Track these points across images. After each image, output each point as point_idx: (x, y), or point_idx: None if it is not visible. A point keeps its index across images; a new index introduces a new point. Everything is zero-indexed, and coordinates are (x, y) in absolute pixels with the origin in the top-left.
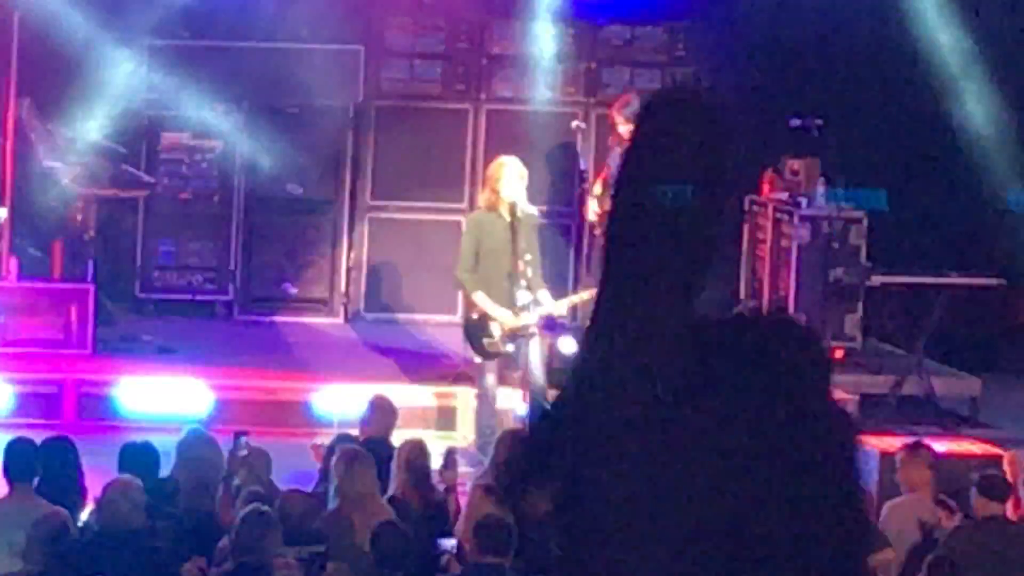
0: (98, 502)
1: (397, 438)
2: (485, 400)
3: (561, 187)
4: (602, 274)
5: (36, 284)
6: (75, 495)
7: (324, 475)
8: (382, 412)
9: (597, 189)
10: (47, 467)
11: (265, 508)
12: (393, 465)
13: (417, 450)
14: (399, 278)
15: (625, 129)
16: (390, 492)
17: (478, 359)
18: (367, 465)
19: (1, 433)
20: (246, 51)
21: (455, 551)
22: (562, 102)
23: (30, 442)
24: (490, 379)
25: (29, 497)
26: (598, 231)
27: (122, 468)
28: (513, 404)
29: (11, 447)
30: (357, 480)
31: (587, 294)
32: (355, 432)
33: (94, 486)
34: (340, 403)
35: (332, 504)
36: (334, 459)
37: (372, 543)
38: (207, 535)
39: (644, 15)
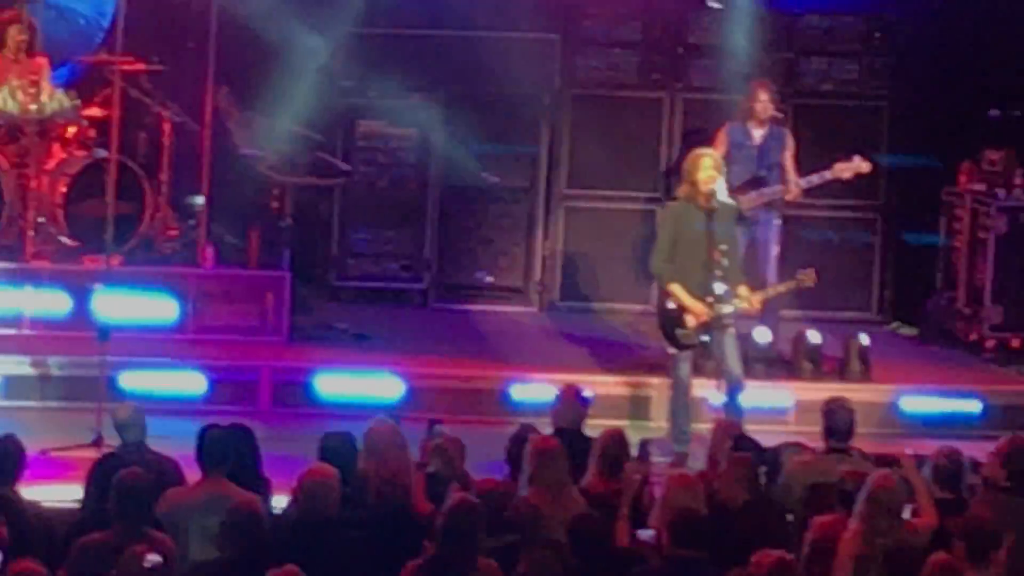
0: (296, 491)
1: (591, 428)
2: (679, 390)
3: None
4: None
5: (233, 271)
6: (258, 483)
7: (514, 464)
8: (573, 402)
9: None
10: (234, 455)
11: (474, 499)
12: (591, 455)
13: (616, 440)
14: (593, 267)
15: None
16: (583, 482)
17: (672, 349)
18: (560, 455)
19: (196, 420)
20: (443, 40)
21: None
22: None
23: (222, 429)
24: (684, 369)
25: (222, 484)
26: None
27: (322, 457)
28: (707, 395)
29: (203, 435)
30: (550, 470)
31: (783, 287)
32: (547, 422)
33: (288, 474)
34: (534, 392)
35: (523, 493)
36: (527, 449)
37: (569, 534)
38: (400, 525)
39: (842, 4)
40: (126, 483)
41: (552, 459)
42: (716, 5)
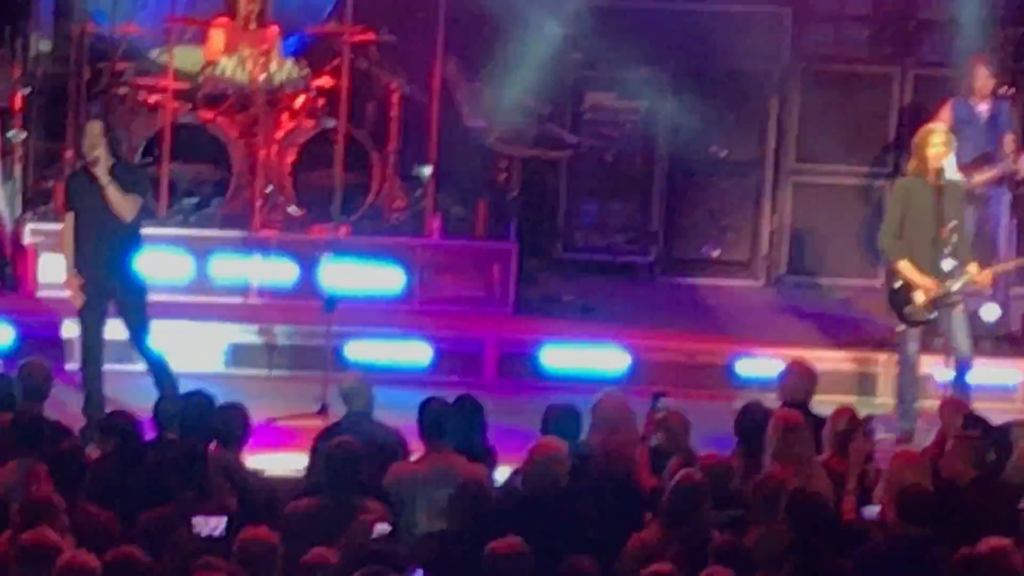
0: (527, 464)
1: (816, 404)
2: (907, 367)
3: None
4: None
5: (459, 242)
6: (483, 455)
7: (745, 439)
8: (800, 377)
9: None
10: (458, 427)
11: (698, 476)
12: (824, 431)
13: (848, 418)
14: (821, 242)
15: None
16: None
17: (900, 326)
18: (805, 430)
19: (420, 391)
20: (673, 12)
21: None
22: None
23: (444, 401)
24: (912, 346)
25: (448, 456)
26: None
27: (545, 429)
28: (935, 372)
29: (425, 407)
30: (795, 445)
31: (1013, 264)
32: (773, 397)
33: (511, 446)
34: (760, 367)
35: (768, 468)
36: (771, 424)
37: (787, 509)
38: (625, 499)
39: None
40: (338, 452)
41: (798, 434)
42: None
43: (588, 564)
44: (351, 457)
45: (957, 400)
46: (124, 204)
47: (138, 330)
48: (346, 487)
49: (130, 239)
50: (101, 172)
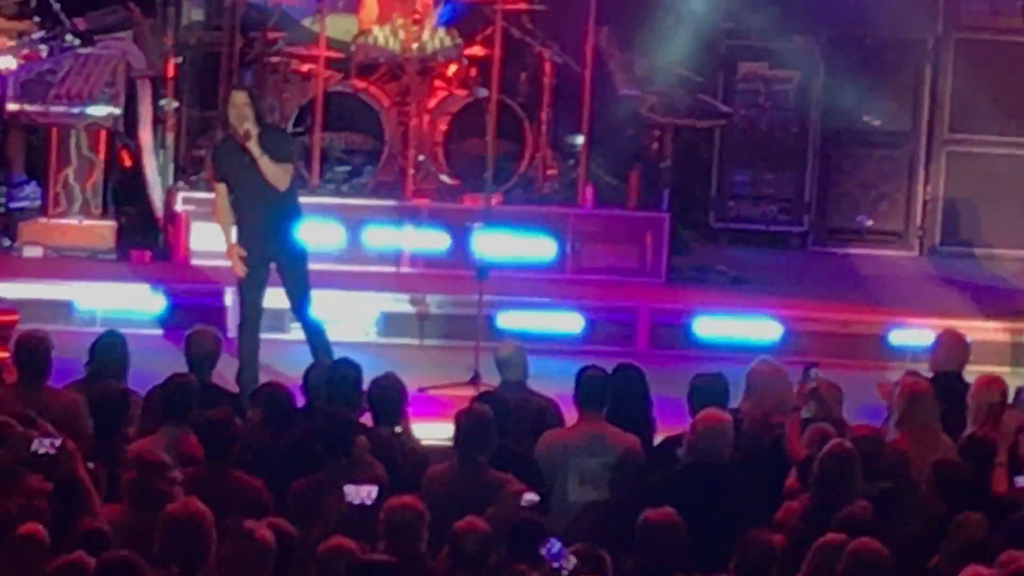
0: (691, 435)
1: (969, 374)
2: None
3: None
4: None
5: (612, 212)
6: (644, 425)
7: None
8: (952, 347)
9: None
10: (617, 395)
11: (849, 445)
12: (969, 400)
13: (995, 387)
14: (975, 212)
15: None
16: (968, 430)
17: None
18: (930, 398)
19: (573, 360)
20: None
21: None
22: None
23: (602, 370)
24: None
25: (600, 425)
26: None
27: (692, 399)
28: None
29: (583, 374)
30: (919, 413)
31: None
32: (926, 367)
33: (665, 415)
34: (913, 337)
35: (891, 437)
36: (896, 391)
37: (936, 479)
38: (773, 469)
39: None
40: (468, 419)
41: (923, 402)
42: None
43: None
44: (483, 424)
45: None
46: (277, 174)
47: (300, 298)
48: (477, 453)
49: (288, 207)
50: (252, 144)
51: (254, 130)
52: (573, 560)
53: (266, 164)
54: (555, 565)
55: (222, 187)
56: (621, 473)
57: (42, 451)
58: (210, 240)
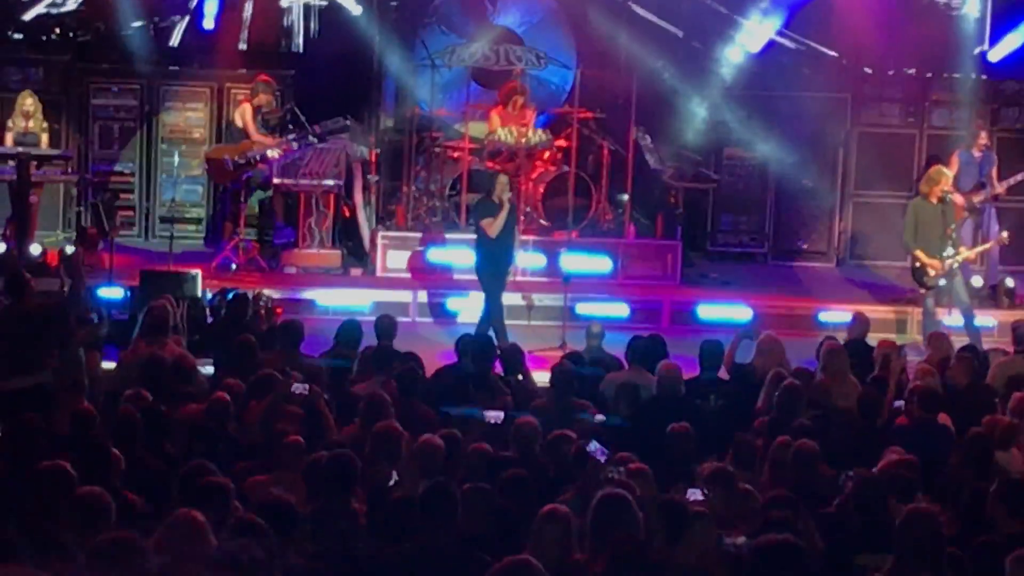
0: (659, 376)
1: (871, 339)
2: (927, 315)
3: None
4: None
5: (646, 241)
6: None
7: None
8: (859, 322)
9: None
10: (649, 353)
11: (797, 382)
12: (874, 355)
13: (889, 346)
14: (869, 238)
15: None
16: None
17: (922, 290)
18: (841, 352)
19: (623, 333)
20: (775, 98)
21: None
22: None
23: (644, 337)
24: (930, 303)
25: (643, 373)
26: None
27: (701, 355)
28: (944, 318)
29: (632, 341)
30: (835, 362)
31: (990, 244)
32: (843, 335)
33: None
34: (835, 316)
35: (817, 379)
36: (822, 348)
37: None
38: (743, 411)
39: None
40: (559, 370)
41: (837, 355)
42: None
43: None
44: (566, 372)
45: (940, 333)
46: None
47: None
48: (565, 391)
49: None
50: (508, 205)
51: (507, 198)
52: (607, 453)
53: (503, 217)
54: (597, 457)
55: (487, 221)
56: (625, 399)
57: (298, 392)
58: (398, 261)
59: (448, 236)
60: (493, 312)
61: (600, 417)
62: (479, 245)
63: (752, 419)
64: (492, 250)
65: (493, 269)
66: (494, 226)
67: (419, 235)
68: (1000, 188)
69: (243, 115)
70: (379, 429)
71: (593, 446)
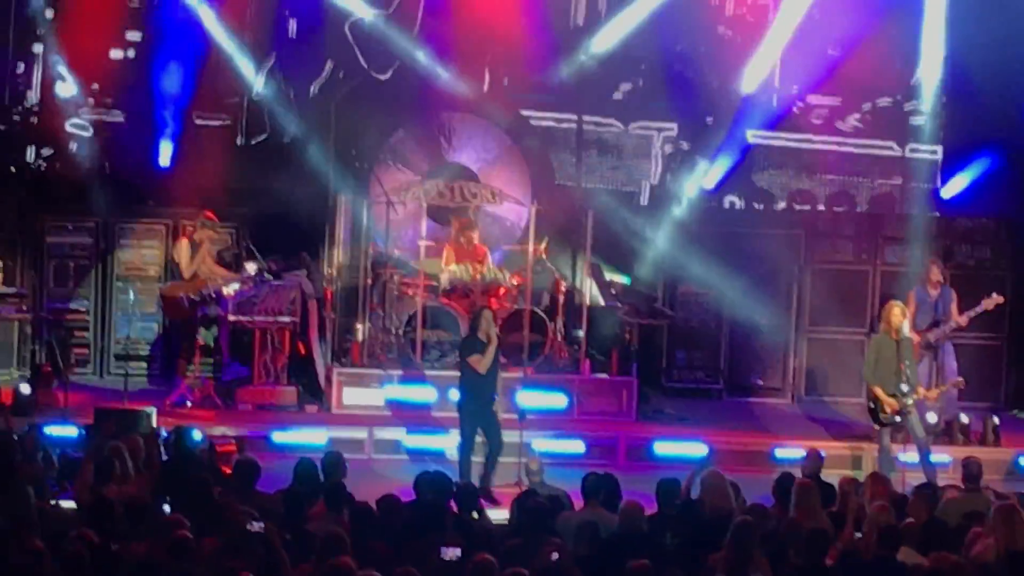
0: (621, 516)
1: (825, 475)
2: (883, 451)
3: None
4: None
5: (601, 377)
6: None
7: (778, 498)
8: (814, 459)
9: None
10: (605, 491)
11: (750, 519)
12: (837, 492)
13: (848, 483)
14: (826, 374)
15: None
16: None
17: (877, 426)
18: (814, 491)
19: (577, 470)
20: (732, 235)
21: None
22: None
23: (599, 475)
24: (886, 439)
25: (597, 508)
26: None
27: (657, 493)
28: (899, 454)
29: (586, 478)
30: (808, 500)
31: (946, 387)
32: (798, 471)
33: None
34: (790, 453)
35: (791, 515)
36: (794, 487)
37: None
38: (705, 540)
39: (979, 210)
40: (527, 503)
41: (810, 493)
42: None
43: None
44: (538, 508)
45: (878, 474)
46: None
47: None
48: (538, 528)
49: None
50: (493, 343)
51: (494, 333)
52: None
53: (490, 354)
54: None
55: (475, 358)
56: (584, 535)
57: (254, 529)
58: (355, 398)
59: (404, 373)
60: (466, 447)
61: (555, 555)
62: (465, 381)
63: (705, 557)
64: (478, 386)
65: (475, 406)
66: (483, 362)
67: (375, 372)
68: (962, 320)
69: (178, 251)
70: (333, 565)
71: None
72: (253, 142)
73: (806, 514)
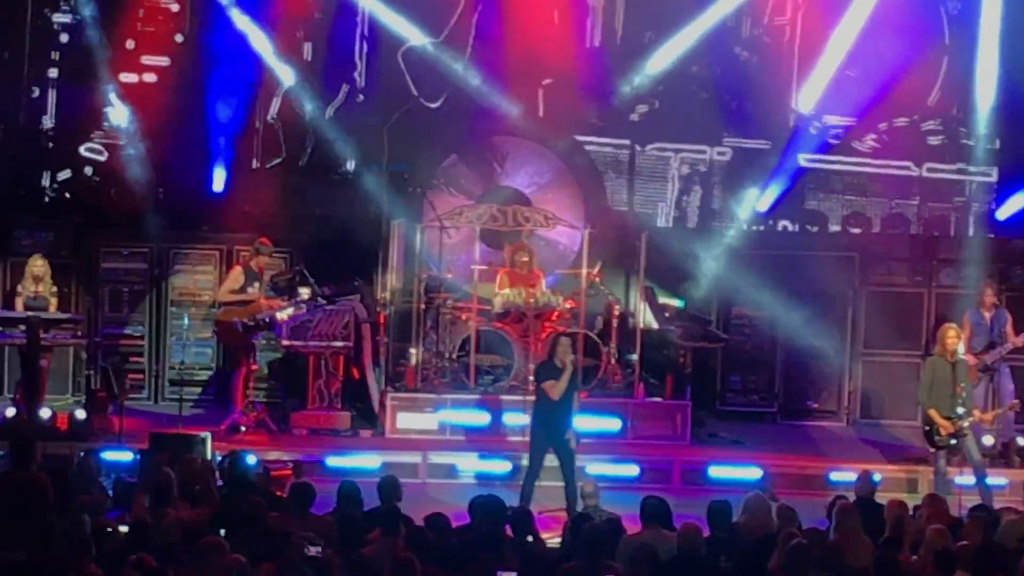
0: (680, 539)
1: (880, 498)
2: (939, 475)
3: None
4: None
5: (655, 401)
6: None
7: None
8: (865, 481)
9: None
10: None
11: (804, 542)
12: (885, 515)
13: (898, 505)
14: (881, 397)
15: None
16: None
17: (932, 449)
18: (853, 512)
19: (632, 494)
20: (784, 257)
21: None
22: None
23: (659, 498)
24: (941, 463)
25: (660, 531)
26: None
27: (709, 516)
28: (955, 477)
29: (645, 502)
30: (848, 522)
31: (1002, 410)
32: (852, 494)
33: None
34: (845, 476)
35: (831, 538)
36: (835, 508)
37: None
38: (761, 558)
39: None
40: (586, 527)
41: (849, 515)
42: None
43: None
44: (595, 531)
45: (935, 495)
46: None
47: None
48: (595, 552)
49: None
50: (568, 369)
51: (569, 360)
52: None
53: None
54: None
55: (550, 384)
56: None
57: (311, 554)
58: (409, 422)
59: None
60: (531, 472)
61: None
62: (538, 407)
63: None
64: (550, 412)
65: (546, 431)
66: (556, 388)
67: (429, 396)
68: (1019, 341)
69: (227, 276)
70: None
71: None
72: (268, 166)
73: (847, 537)
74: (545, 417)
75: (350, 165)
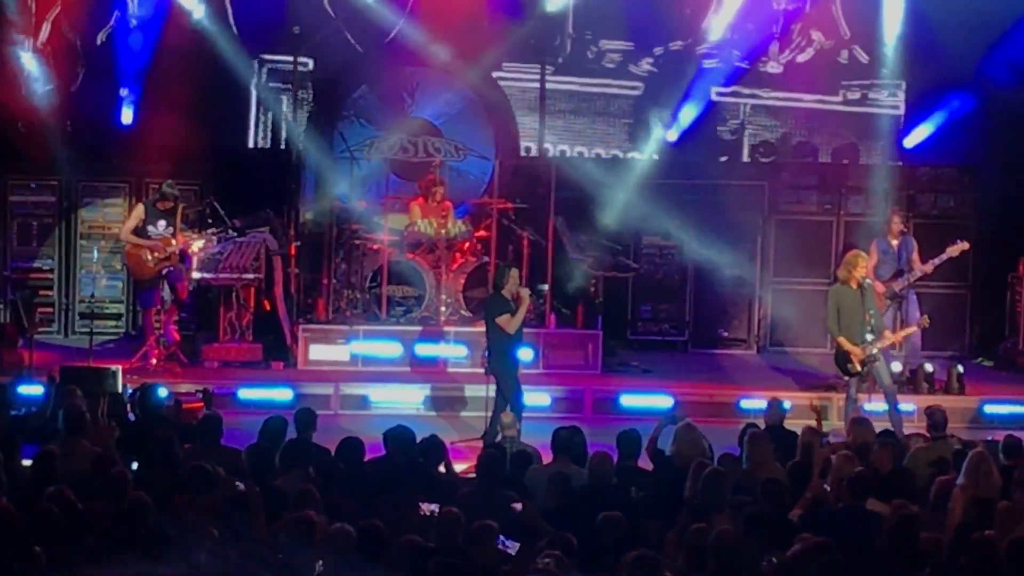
0: (593, 463)
1: (790, 425)
2: (850, 401)
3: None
4: None
5: (567, 331)
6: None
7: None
8: (775, 408)
9: None
10: (572, 444)
11: (720, 469)
12: (798, 442)
13: (811, 432)
14: (790, 325)
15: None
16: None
17: (845, 376)
18: (765, 440)
19: (544, 424)
20: (694, 187)
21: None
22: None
23: (568, 428)
24: (852, 389)
25: (567, 463)
26: None
27: (619, 443)
28: (865, 403)
29: (557, 432)
30: (759, 450)
31: (911, 329)
32: (762, 422)
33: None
34: (755, 403)
35: (744, 467)
36: (745, 437)
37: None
38: (672, 500)
39: (943, 159)
40: (486, 458)
41: (760, 442)
42: None
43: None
44: (494, 462)
45: (861, 418)
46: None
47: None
48: (492, 480)
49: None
50: (524, 302)
51: (525, 294)
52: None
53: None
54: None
55: (505, 318)
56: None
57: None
58: (321, 354)
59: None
60: (517, 400)
61: (518, 505)
62: (495, 341)
63: (674, 509)
64: (509, 344)
65: (509, 362)
66: (513, 323)
67: (341, 328)
68: (927, 268)
69: (131, 212)
70: (301, 520)
71: (500, 541)
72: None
73: (759, 465)
74: (506, 351)
75: (261, 97)
